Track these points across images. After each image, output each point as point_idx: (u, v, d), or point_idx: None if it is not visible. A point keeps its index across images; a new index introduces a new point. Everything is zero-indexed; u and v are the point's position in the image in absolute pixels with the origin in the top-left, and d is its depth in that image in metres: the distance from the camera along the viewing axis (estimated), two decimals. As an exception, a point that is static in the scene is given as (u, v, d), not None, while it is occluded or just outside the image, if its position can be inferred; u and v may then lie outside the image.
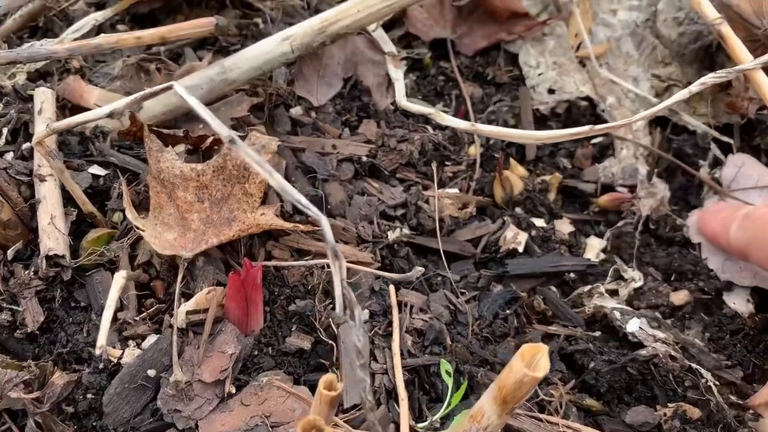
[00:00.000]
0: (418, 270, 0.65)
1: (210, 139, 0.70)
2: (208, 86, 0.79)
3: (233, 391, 0.63)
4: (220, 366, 0.62)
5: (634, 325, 0.70)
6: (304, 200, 0.48)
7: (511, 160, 0.85)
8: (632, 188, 0.83)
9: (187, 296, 0.66)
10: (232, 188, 0.65)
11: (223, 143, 0.70)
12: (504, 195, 0.83)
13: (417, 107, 0.73)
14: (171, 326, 0.64)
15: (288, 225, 0.68)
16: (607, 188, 0.85)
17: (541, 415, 0.64)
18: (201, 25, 0.74)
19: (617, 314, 0.70)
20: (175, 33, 0.74)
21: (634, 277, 0.73)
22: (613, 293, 0.75)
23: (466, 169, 0.87)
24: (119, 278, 0.61)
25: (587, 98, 0.90)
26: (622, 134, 0.86)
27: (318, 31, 0.76)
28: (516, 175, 0.83)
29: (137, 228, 0.63)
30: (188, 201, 0.65)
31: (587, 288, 0.74)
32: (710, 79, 0.70)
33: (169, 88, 0.52)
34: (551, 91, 0.92)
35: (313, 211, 0.48)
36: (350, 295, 0.48)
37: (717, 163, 0.84)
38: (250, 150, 0.49)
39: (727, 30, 0.72)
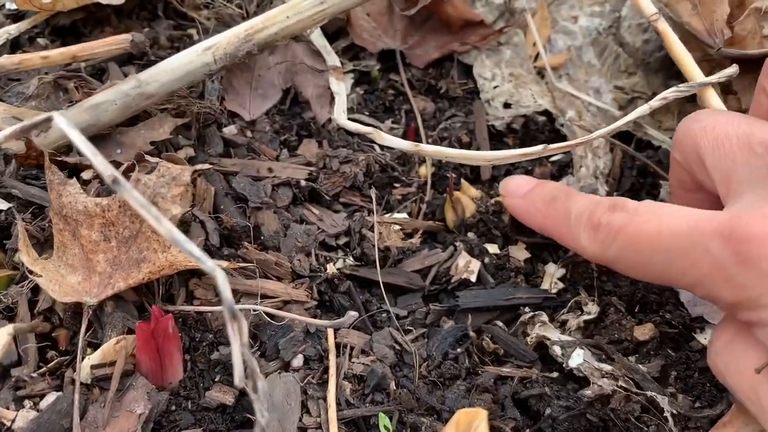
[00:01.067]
0: (351, 315, 0.59)
1: (123, 167, 0.63)
2: (123, 102, 0.71)
3: (143, 456, 0.56)
4: (128, 428, 0.55)
5: (577, 359, 0.64)
6: (197, 251, 0.41)
7: (463, 181, 0.79)
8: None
9: (94, 347, 0.59)
10: (140, 225, 0.57)
11: (140, 169, 0.63)
12: (455, 219, 0.76)
13: (355, 126, 0.66)
14: (74, 382, 0.57)
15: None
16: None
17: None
18: (115, 42, 0.67)
19: (557, 349, 0.64)
20: (87, 52, 0.67)
21: (589, 310, 0.67)
22: (563, 324, 0.69)
23: (417, 191, 0.80)
24: (4, 334, 0.54)
25: (545, 112, 0.84)
26: (581, 152, 0.80)
27: (243, 39, 0.69)
28: (468, 197, 0.76)
29: (30, 273, 0.55)
30: (93, 240, 0.58)
31: (529, 315, 0.68)
32: (671, 93, 0.65)
33: (50, 120, 0.45)
34: (507, 105, 0.85)
35: (207, 264, 0.41)
36: (252, 364, 0.41)
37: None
38: (135, 193, 0.42)
39: (664, 27, 0.67)
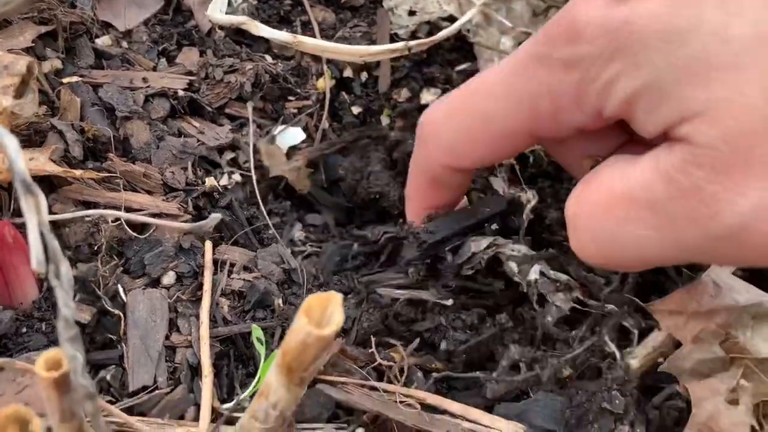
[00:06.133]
0: (214, 217, 0.53)
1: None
2: (-23, 9, 0.64)
3: (-17, 380, 0.50)
4: (-39, 349, 0.49)
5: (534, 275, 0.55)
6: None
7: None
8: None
9: (-72, 265, 0.53)
10: (-29, 124, 0.51)
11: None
12: (354, 131, 0.71)
13: (228, 18, 0.60)
14: None
15: (59, 170, 0.55)
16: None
17: (377, 384, 0.53)
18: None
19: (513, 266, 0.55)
20: None
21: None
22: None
23: (314, 104, 0.74)
24: None
25: (451, 18, 0.79)
26: (488, 55, 0.75)
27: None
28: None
29: None
30: None
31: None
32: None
33: None
34: (412, 13, 0.80)
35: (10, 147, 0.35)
36: (53, 244, 0.35)
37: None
38: None
39: None
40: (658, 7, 0.37)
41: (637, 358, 0.53)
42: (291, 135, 0.72)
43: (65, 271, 0.35)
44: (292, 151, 0.71)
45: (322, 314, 0.38)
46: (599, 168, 0.44)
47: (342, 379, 0.53)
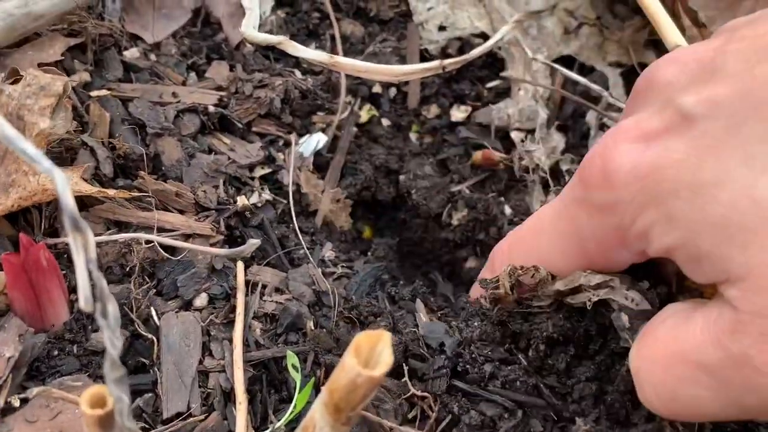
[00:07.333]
0: (252, 243, 0.52)
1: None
2: (8, 23, 0.63)
3: (16, 404, 0.49)
4: (-5, 374, 0.48)
5: None
6: (30, 149, 0.34)
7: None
8: (530, 132, 0.71)
9: (-39, 286, 0.52)
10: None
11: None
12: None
13: (264, 37, 0.59)
14: (-66, 326, 0.49)
15: (92, 190, 0.54)
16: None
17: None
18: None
19: None
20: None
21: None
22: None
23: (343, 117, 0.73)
24: None
25: (482, 35, 0.78)
26: (519, 75, 0.74)
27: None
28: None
29: None
30: (-47, 162, 0.50)
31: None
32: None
33: None
34: (442, 28, 0.79)
35: (44, 165, 0.34)
36: (101, 283, 0.34)
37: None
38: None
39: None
40: (685, 156, 0.37)
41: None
42: (313, 141, 0.71)
43: (112, 310, 0.35)
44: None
45: (370, 352, 0.37)
46: (655, 322, 0.43)
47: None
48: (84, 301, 0.33)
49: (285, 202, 0.65)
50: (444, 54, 0.78)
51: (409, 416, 0.52)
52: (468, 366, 0.51)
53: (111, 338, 0.34)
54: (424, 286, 0.60)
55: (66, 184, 0.34)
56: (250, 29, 0.61)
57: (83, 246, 0.34)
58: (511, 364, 0.50)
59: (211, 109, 0.67)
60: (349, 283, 0.62)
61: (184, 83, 0.70)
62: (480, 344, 0.51)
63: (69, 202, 0.34)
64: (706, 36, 0.70)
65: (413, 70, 0.60)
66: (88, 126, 0.62)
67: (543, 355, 0.49)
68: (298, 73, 0.73)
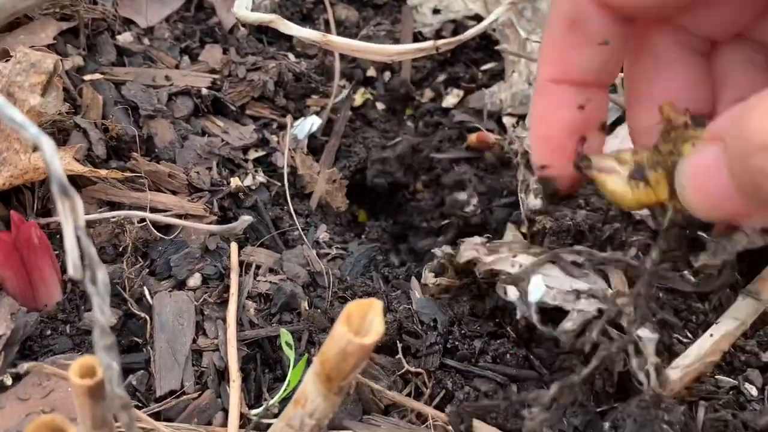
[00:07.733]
0: (245, 219, 0.52)
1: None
2: (-3, 5, 0.63)
3: (9, 382, 0.49)
4: (-13, 352, 0.48)
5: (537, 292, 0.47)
6: (18, 116, 0.34)
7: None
8: (522, 117, 0.70)
9: (-48, 266, 0.52)
10: (-3, 122, 0.50)
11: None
12: (378, 131, 0.70)
13: (256, 16, 0.59)
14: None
15: (83, 169, 0.54)
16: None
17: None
18: None
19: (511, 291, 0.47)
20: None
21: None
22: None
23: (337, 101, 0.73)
24: None
25: (477, 17, 0.78)
26: (513, 57, 0.74)
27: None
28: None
29: None
30: (-57, 141, 0.50)
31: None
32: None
33: None
34: (436, 11, 0.79)
35: (30, 131, 0.34)
36: (90, 250, 0.34)
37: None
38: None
39: None
40: None
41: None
42: (307, 124, 0.71)
43: (102, 277, 0.34)
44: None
45: (361, 322, 0.37)
46: None
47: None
48: (73, 267, 0.33)
49: (279, 184, 0.65)
50: (438, 37, 0.78)
51: (404, 392, 0.52)
52: (458, 343, 0.51)
53: (100, 305, 0.34)
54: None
55: (54, 151, 0.34)
56: (242, 10, 0.61)
57: (71, 210, 0.34)
58: (500, 338, 0.50)
59: (205, 91, 0.67)
60: (344, 264, 0.62)
61: (177, 66, 0.69)
62: (468, 319, 0.51)
63: (57, 169, 0.33)
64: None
65: (406, 50, 0.60)
66: (81, 109, 0.62)
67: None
68: (291, 57, 0.73)
